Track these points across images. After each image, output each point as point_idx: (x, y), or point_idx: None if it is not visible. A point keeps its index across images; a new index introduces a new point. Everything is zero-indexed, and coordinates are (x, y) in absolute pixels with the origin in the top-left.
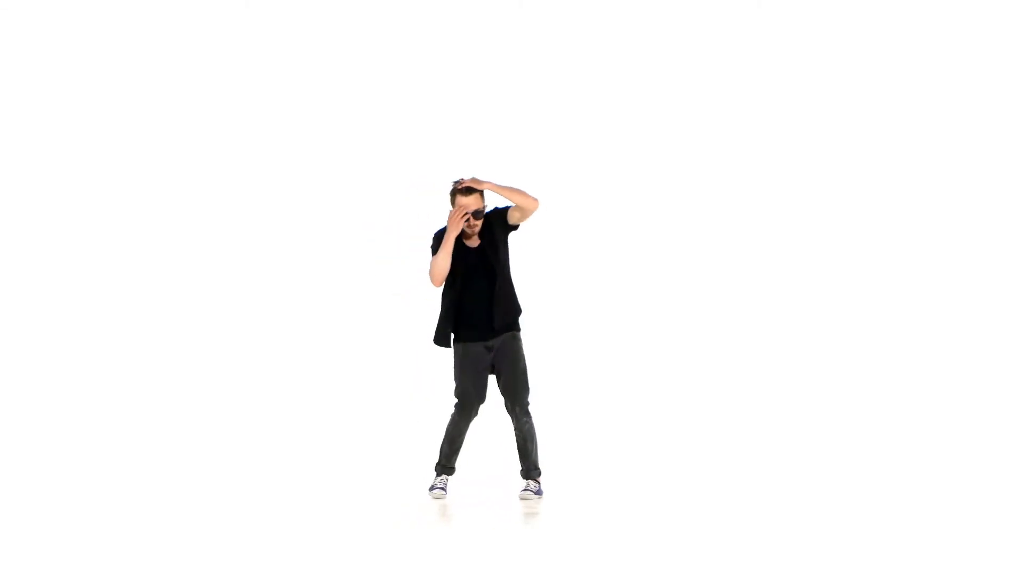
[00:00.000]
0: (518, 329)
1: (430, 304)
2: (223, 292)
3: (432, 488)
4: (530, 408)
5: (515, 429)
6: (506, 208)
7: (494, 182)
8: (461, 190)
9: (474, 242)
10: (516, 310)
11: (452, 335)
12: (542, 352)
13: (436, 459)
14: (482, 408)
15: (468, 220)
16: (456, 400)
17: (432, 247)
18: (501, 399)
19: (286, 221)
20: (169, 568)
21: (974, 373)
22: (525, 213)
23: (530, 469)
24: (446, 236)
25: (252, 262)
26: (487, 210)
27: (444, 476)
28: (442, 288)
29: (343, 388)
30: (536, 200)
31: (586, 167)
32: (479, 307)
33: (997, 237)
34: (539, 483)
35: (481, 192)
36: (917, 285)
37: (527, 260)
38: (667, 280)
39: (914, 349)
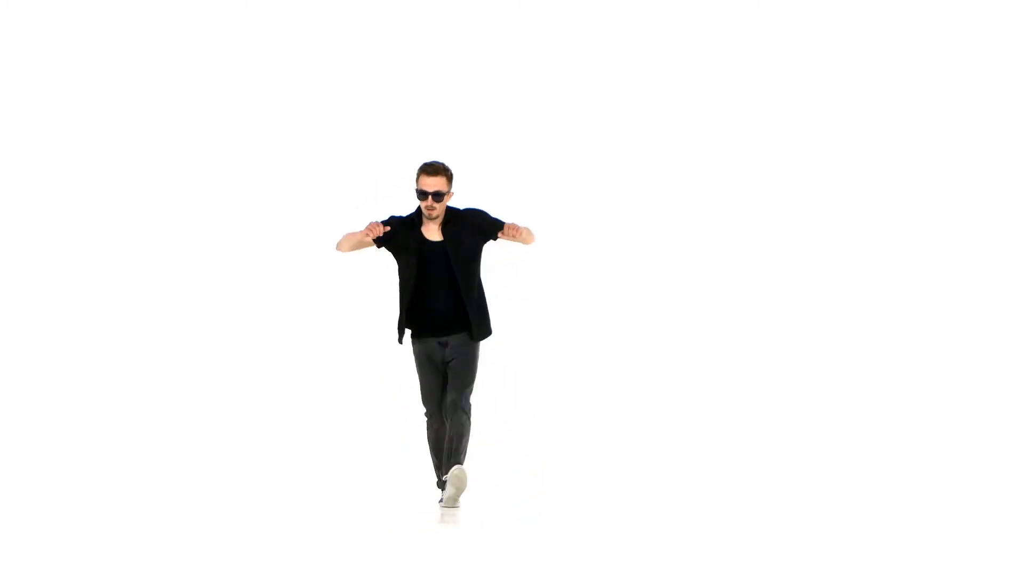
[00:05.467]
0: (479, 335)
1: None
2: (222, 293)
3: (441, 501)
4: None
5: (448, 425)
6: (498, 221)
7: (526, 229)
8: (425, 169)
9: (434, 234)
10: (482, 324)
11: (408, 331)
12: (541, 353)
13: (435, 477)
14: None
15: (427, 201)
16: (424, 409)
17: (385, 220)
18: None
19: (284, 222)
20: (169, 569)
21: (974, 373)
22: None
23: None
24: (359, 234)
25: (251, 263)
26: (471, 208)
27: None
28: (399, 284)
29: (341, 388)
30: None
31: (585, 167)
32: (436, 301)
33: (997, 237)
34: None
35: (448, 176)
36: (916, 285)
37: (525, 261)
38: (665, 281)
39: (913, 349)
